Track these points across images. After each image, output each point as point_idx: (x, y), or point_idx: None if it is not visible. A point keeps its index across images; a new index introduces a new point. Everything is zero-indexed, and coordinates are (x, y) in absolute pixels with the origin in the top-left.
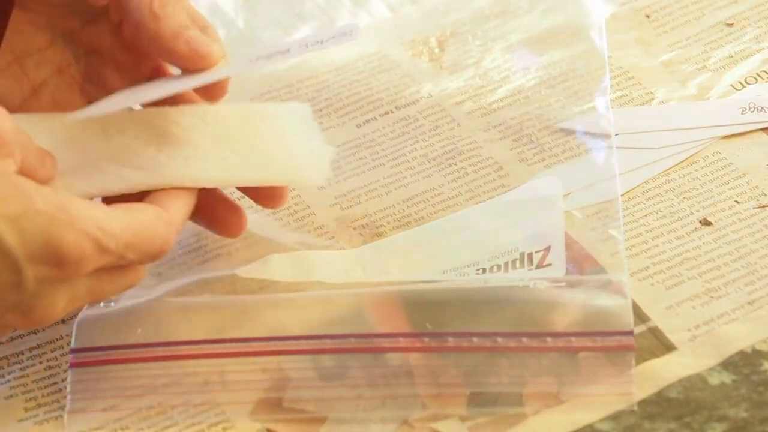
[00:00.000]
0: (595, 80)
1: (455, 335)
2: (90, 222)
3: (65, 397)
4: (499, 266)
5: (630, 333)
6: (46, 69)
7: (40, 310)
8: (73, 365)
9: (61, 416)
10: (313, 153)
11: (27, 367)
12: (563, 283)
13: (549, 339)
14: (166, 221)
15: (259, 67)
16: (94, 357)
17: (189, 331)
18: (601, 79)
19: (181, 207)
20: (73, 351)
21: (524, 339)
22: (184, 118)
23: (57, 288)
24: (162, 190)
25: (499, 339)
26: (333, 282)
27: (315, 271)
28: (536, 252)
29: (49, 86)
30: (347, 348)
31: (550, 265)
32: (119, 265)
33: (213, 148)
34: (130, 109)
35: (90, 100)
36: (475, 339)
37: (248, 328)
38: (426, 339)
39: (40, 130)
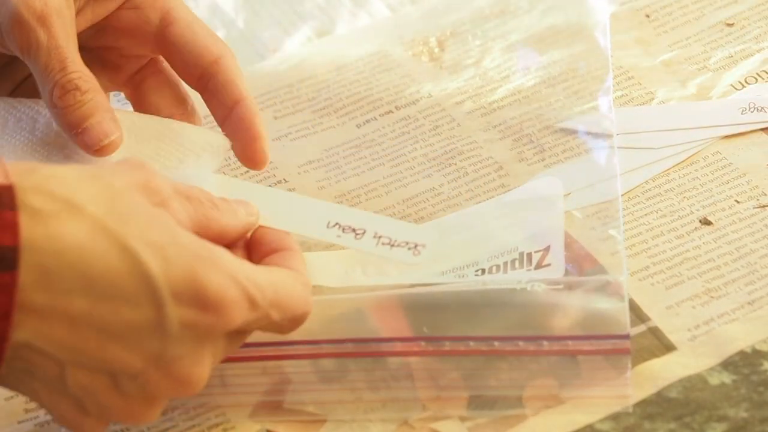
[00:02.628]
0: (596, 80)
1: (452, 339)
2: (238, 269)
3: None
4: (498, 266)
5: (626, 336)
6: None
7: (185, 367)
8: None
9: None
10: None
11: None
12: (561, 286)
13: (545, 342)
14: (303, 283)
15: (330, 239)
16: None
17: None
18: (604, 79)
19: (304, 267)
20: None
21: (521, 343)
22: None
23: (202, 342)
24: (281, 252)
25: (496, 343)
26: (333, 286)
27: (315, 275)
28: (536, 252)
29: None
30: (346, 353)
31: (549, 265)
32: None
33: (134, 145)
34: None
35: None
36: (471, 343)
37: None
38: (423, 343)
39: None
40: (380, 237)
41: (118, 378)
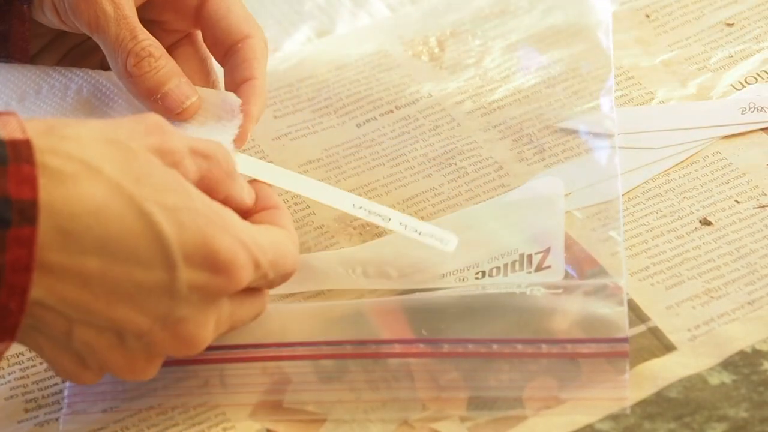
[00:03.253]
0: (596, 80)
1: (450, 342)
2: (245, 232)
3: (66, 398)
4: (498, 268)
5: (624, 340)
6: None
7: (190, 328)
8: None
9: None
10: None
11: (27, 368)
12: (560, 290)
13: (544, 346)
14: (294, 242)
15: (360, 215)
16: None
17: None
18: (606, 78)
19: (292, 225)
20: None
21: (519, 346)
22: None
23: (208, 304)
24: (270, 210)
25: (495, 346)
26: (334, 288)
27: (316, 277)
28: (536, 254)
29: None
30: (346, 354)
31: (549, 267)
32: (256, 289)
33: None
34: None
35: None
36: (470, 346)
37: (249, 335)
38: (422, 345)
39: None
40: (406, 225)
41: (124, 336)
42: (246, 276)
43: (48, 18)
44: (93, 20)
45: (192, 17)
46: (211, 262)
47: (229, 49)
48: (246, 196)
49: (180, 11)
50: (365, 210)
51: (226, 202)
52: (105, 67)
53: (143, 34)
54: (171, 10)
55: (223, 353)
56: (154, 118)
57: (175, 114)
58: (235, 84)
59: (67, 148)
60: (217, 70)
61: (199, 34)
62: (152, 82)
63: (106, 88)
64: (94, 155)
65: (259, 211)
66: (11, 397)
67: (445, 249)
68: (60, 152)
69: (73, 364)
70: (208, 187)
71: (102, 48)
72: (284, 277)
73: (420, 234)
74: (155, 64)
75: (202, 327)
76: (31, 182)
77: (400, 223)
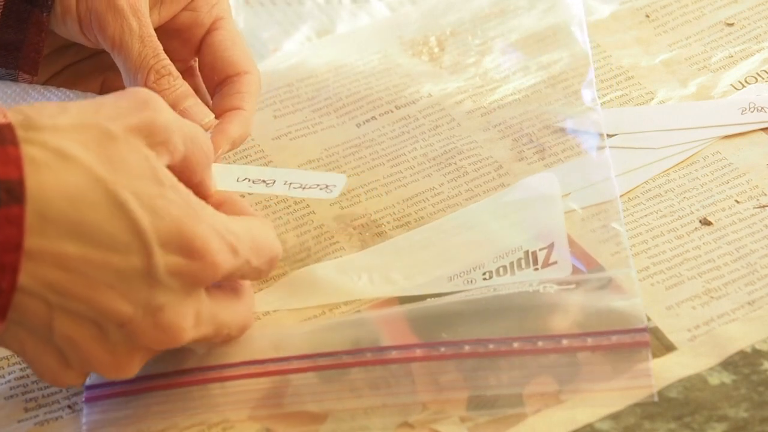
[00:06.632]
0: (578, 77)
1: (471, 342)
2: (218, 221)
3: (66, 398)
4: (504, 267)
5: (644, 330)
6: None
7: (170, 316)
8: (88, 400)
9: (62, 417)
10: None
11: (27, 367)
12: (572, 285)
13: (564, 341)
14: (269, 226)
15: (243, 189)
16: (108, 391)
17: (198, 359)
18: (586, 73)
19: (259, 214)
20: (88, 388)
21: (540, 342)
22: None
23: (187, 291)
24: (228, 203)
25: (515, 344)
26: (340, 300)
27: (326, 291)
28: (540, 250)
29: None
30: (357, 362)
31: (555, 263)
32: (238, 289)
33: None
34: None
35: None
36: (491, 345)
37: (250, 351)
38: (443, 348)
39: None
40: (291, 183)
41: (105, 327)
42: (223, 261)
43: (67, 28)
44: (118, 33)
45: (196, 47)
46: (187, 249)
47: (225, 80)
48: (211, 184)
49: (186, 41)
50: (249, 181)
51: (200, 185)
52: (104, 92)
53: (164, 54)
54: (178, 39)
55: (223, 372)
56: (144, 93)
57: None
58: (223, 109)
59: (42, 138)
60: None
61: (197, 67)
62: (171, 99)
63: None
64: (69, 143)
65: (217, 205)
66: (11, 396)
67: (327, 197)
68: (35, 141)
69: (54, 361)
70: (189, 168)
71: (120, 64)
72: (270, 263)
73: (303, 189)
74: (174, 82)
75: (182, 316)
76: (17, 162)
77: (285, 183)
